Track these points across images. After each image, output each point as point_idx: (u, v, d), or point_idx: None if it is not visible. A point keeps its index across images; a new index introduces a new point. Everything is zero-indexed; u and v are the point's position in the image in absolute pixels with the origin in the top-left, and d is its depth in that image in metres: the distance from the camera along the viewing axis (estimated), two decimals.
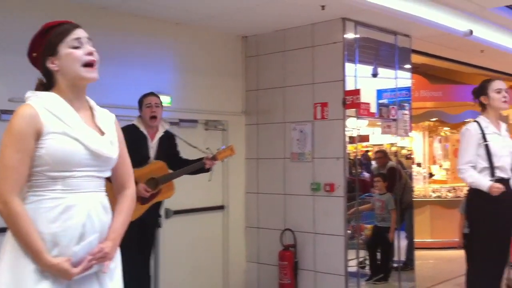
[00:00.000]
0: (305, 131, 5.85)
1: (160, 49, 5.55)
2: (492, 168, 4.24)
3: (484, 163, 4.25)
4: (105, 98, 4.54)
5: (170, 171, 4.44)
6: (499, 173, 4.25)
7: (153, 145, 4.43)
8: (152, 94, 4.51)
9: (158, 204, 4.53)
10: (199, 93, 5.87)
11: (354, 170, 6.06)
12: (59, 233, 1.97)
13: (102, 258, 2.04)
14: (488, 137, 4.27)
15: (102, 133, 2.14)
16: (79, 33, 2.12)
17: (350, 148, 6.33)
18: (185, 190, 5.50)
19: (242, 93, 6.36)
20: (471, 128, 4.33)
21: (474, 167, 4.28)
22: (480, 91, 4.43)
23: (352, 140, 5.98)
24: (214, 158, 4.47)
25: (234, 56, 6.30)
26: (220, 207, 6.17)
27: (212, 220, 6.09)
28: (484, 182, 4.18)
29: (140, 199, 4.16)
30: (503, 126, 4.46)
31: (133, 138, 4.23)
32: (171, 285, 5.59)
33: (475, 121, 4.38)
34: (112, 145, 2.14)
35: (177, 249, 5.62)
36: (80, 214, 2.01)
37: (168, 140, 4.56)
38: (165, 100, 5.38)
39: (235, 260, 6.21)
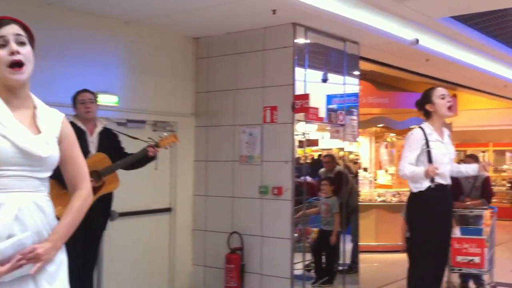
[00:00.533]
0: (255, 134, 5.87)
1: (109, 47, 5.44)
2: None
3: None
4: (48, 96, 4.41)
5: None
6: (438, 179, 4.38)
7: (92, 140, 4.39)
8: (86, 90, 4.48)
9: (107, 205, 4.45)
10: (147, 93, 5.78)
11: (302, 174, 6.11)
12: None
13: (33, 259, 1.96)
14: (431, 144, 4.39)
15: (39, 132, 2.07)
16: (4, 30, 2.01)
17: (299, 152, 6.39)
18: (131, 192, 5.41)
19: (192, 94, 6.32)
20: (416, 133, 4.45)
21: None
22: (425, 99, 4.55)
23: (301, 144, 6.04)
24: (157, 145, 4.47)
25: (185, 57, 6.25)
26: (167, 210, 6.10)
27: (159, 223, 6.01)
28: (420, 170, 4.28)
29: None
30: (446, 133, 4.60)
31: None
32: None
33: (420, 127, 4.50)
34: (47, 145, 2.06)
35: (122, 252, 5.51)
36: (8, 213, 1.93)
37: (109, 137, 4.53)
38: (112, 99, 5.30)
39: (181, 263, 6.15)
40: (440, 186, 4.41)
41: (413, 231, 4.54)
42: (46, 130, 2.09)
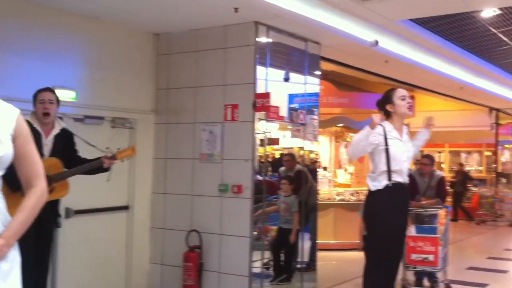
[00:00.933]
0: (215, 132, 5.85)
1: (67, 43, 5.32)
2: (389, 171, 4.44)
3: (383, 167, 4.45)
4: (3, 90, 4.31)
5: (65, 169, 4.25)
6: (395, 177, 4.46)
7: (47, 142, 4.24)
8: (47, 89, 4.32)
9: (56, 202, 4.34)
10: (106, 89, 5.69)
11: (263, 172, 6.13)
12: None
13: None
14: (389, 141, 4.46)
15: None
16: None
17: (260, 150, 6.40)
18: (87, 189, 5.32)
19: (152, 91, 6.24)
20: (376, 129, 4.51)
21: (370, 173, 4.50)
22: (386, 100, 4.63)
23: (262, 142, 6.06)
24: (113, 157, 4.35)
25: (145, 54, 6.17)
26: (125, 207, 6.01)
27: (116, 221, 5.92)
28: (361, 132, 4.32)
29: None
30: (405, 130, 4.67)
31: None
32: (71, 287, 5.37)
33: (380, 124, 4.56)
34: (1, 144, 2.01)
35: (77, 250, 5.41)
36: None
37: (65, 139, 4.37)
38: (69, 95, 5.18)
39: (138, 261, 6.08)
40: (397, 184, 4.49)
41: (370, 229, 4.60)
42: None
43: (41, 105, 4.22)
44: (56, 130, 4.32)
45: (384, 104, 4.59)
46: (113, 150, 4.37)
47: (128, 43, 5.96)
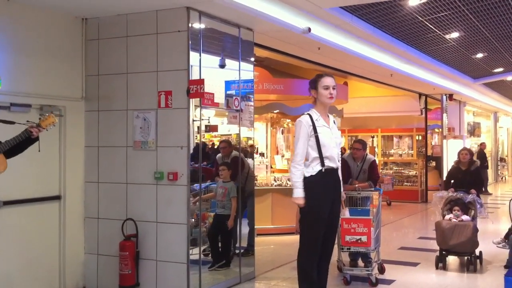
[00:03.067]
0: (149, 119, 5.77)
1: None
2: (321, 157, 4.57)
3: (315, 153, 4.58)
4: None
5: None
6: (328, 163, 4.60)
7: None
8: None
9: None
10: (33, 75, 5.49)
11: (199, 160, 6.11)
12: None
13: None
14: (318, 129, 4.59)
15: None
16: None
17: (198, 137, 6.38)
18: (16, 180, 5.14)
19: (81, 78, 6.07)
20: (304, 119, 4.64)
21: (305, 162, 4.62)
22: (312, 85, 4.74)
23: (199, 129, 6.03)
24: (38, 125, 4.37)
25: (73, 39, 5.99)
26: (56, 197, 5.85)
27: (47, 211, 5.76)
28: (299, 191, 4.61)
29: None
30: (331, 119, 4.82)
31: None
32: (2, 281, 5.19)
33: (308, 113, 4.68)
34: None
35: (6, 243, 5.22)
36: None
37: None
38: None
39: (72, 252, 5.94)
40: (330, 170, 4.63)
41: (304, 213, 4.71)
42: None
43: None
44: None
45: (311, 88, 4.72)
46: (33, 122, 4.36)
47: (55, 28, 5.77)
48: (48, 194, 5.75)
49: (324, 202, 4.62)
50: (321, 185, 4.60)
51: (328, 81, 4.68)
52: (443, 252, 7.11)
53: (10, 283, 5.32)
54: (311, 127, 4.58)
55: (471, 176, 7.68)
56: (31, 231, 5.56)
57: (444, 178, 8.36)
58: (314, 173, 4.61)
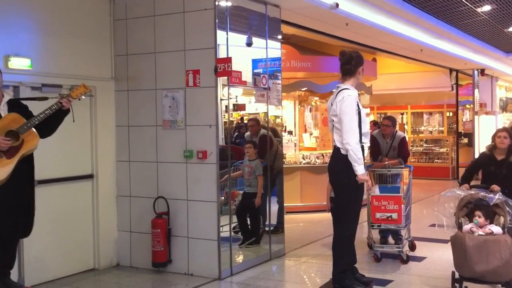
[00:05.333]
0: (177, 98, 5.81)
1: (19, 9, 5.16)
2: (361, 134, 4.54)
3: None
4: None
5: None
6: (363, 139, 4.56)
7: (2, 108, 4.24)
8: None
9: (31, 168, 4.37)
10: (63, 56, 5.56)
11: (228, 138, 6.14)
12: None
13: None
14: (360, 105, 4.57)
15: None
16: None
17: (226, 116, 6.41)
18: (50, 159, 5.25)
19: (110, 58, 6.13)
20: (353, 95, 4.59)
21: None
22: (359, 62, 4.74)
23: (228, 108, 6.06)
24: (68, 96, 4.39)
25: (102, 19, 6.03)
26: (89, 176, 5.96)
27: (81, 190, 5.88)
28: (362, 168, 4.54)
29: (5, 154, 4.08)
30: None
31: None
32: (36, 259, 5.34)
33: (350, 89, 4.63)
34: None
35: (43, 220, 5.35)
36: None
37: (19, 107, 4.35)
38: (25, 63, 5.06)
39: (106, 230, 6.07)
40: (364, 147, 4.61)
41: (342, 191, 4.68)
42: None
43: None
44: (6, 98, 4.33)
45: (357, 66, 4.68)
46: (65, 94, 4.41)
47: (83, 8, 5.82)
48: (81, 173, 5.86)
49: (353, 179, 4.61)
50: (350, 164, 4.59)
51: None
52: (464, 281, 4.82)
53: (45, 261, 5.48)
54: (357, 102, 4.56)
55: (510, 169, 5.39)
56: (66, 209, 5.69)
57: (465, 169, 5.93)
58: None
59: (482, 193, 5.00)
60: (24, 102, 4.47)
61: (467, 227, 4.84)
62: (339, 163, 4.65)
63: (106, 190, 6.08)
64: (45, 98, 4.50)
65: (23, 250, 5.19)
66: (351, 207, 4.70)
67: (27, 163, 4.28)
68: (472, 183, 5.42)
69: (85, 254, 5.94)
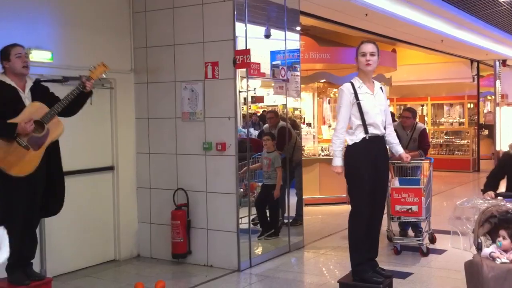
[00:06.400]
0: (196, 90, 5.81)
1: (40, 2, 5.22)
2: (364, 125, 4.51)
3: (358, 121, 4.53)
4: None
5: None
6: (372, 130, 4.53)
7: (26, 95, 4.27)
8: (16, 44, 4.29)
9: (57, 156, 4.42)
10: (83, 49, 5.60)
11: (246, 130, 6.14)
12: None
13: None
14: (360, 96, 4.52)
15: None
16: None
17: (244, 109, 6.41)
18: (71, 151, 5.29)
19: (130, 50, 6.16)
20: (345, 88, 4.59)
21: (349, 130, 4.58)
22: (356, 53, 4.67)
23: (246, 100, 6.05)
24: (89, 78, 4.37)
25: (121, 12, 6.06)
26: (110, 168, 6.01)
27: (101, 181, 5.94)
28: (338, 160, 4.59)
29: (31, 146, 4.11)
30: (377, 86, 4.71)
31: (1, 92, 4.12)
32: (58, 250, 5.41)
33: (350, 82, 4.62)
34: None
35: (63, 211, 5.40)
36: None
37: (42, 90, 4.40)
38: (45, 56, 5.11)
39: (126, 221, 6.13)
40: (374, 137, 4.56)
41: (349, 182, 4.67)
42: None
43: (19, 59, 4.21)
44: (29, 84, 4.33)
45: (356, 55, 4.66)
46: (83, 77, 4.37)
47: (103, 1, 5.85)
48: (102, 165, 5.91)
49: (365, 169, 4.55)
50: (363, 153, 4.55)
51: (365, 47, 4.58)
52: None
53: (67, 252, 5.55)
54: (353, 94, 4.53)
55: None
56: (87, 201, 5.75)
57: (488, 174, 4.98)
58: (358, 141, 4.57)
59: (510, 204, 3.86)
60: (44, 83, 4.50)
61: (487, 251, 3.72)
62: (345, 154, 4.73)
63: (127, 182, 6.13)
64: (66, 79, 4.53)
65: (45, 241, 5.26)
66: (351, 197, 4.70)
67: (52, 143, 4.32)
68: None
69: (106, 245, 6.01)
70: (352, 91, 4.54)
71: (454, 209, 3.94)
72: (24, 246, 4.29)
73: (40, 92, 4.36)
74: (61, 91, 4.66)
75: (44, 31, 5.24)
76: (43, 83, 4.48)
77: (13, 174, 4.05)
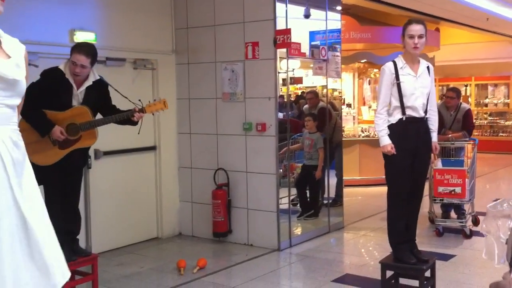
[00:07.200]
0: (237, 71, 5.82)
1: None
2: (402, 107, 4.41)
3: (396, 102, 4.42)
4: (21, 33, 4.32)
5: (94, 118, 4.21)
6: (410, 112, 4.42)
7: (78, 93, 4.16)
8: (83, 51, 4.03)
9: (84, 153, 4.41)
10: (126, 30, 5.68)
11: (285, 111, 6.13)
12: None
13: None
14: (401, 77, 4.40)
15: (8, 57, 2.03)
16: None
17: (283, 90, 6.38)
18: (115, 131, 5.37)
19: (171, 31, 6.21)
20: (386, 68, 4.47)
21: (388, 110, 4.47)
22: (402, 32, 4.54)
23: (285, 81, 6.02)
24: (142, 110, 4.20)
25: None
26: (152, 148, 6.12)
27: (144, 161, 6.05)
28: (384, 138, 4.40)
29: (58, 144, 4.08)
30: (423, 66, 4.55)
31: (54, 82, 4.06)
32: (103, 228, 5.56)
33: (393, 61, 4.50)
34: (18, 68, 2.04)
35: (108, 190, 5.56)
36: None
37: (98, 90, 4.26)
38: (89, 37, 5.18)
39: (168, 200, 6.24)
40: (411, 118, 4.44)
41: (385, 164, 4.60)
42: (14, 55, 2.05)
43: (73, 66, 4.06)
44: (88, 82, 4.19)
45: (401, 35, 4.53)
46: (143, 104, 4.22)
47: None
48: (144, 145, 6.01)
49: (402, 151, 4.46)
50: (399, 135, 4.45)
51: (414, 28, 4.42)
52: None
53: (111, 229, 5.69)
54: (393, 74, 4.41)
55: None
56: (130, 180, 5.87)
57: None
58: (394, 122, 4.46)
59: None
60: (106, 81, 4.36)
61: None
62: None
63: (168, 162, 6.23)
64: (125, 97, 4.36)
65: (90, 219, 5.41)
66: (388, 177, 4.62)
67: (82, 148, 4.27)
68: None
69: (149, 223, 6.14)
70: (393, 71, 4.43)
71: (486, 213, 3.10)
72: (67, 221, 4.33)
73: (96, 90, 4.23)
74: (104, 72, 4.76)
75: (87, 13, 5.32)
76: (104, 82, 4.33)
77: (31, 160, 4.05)
